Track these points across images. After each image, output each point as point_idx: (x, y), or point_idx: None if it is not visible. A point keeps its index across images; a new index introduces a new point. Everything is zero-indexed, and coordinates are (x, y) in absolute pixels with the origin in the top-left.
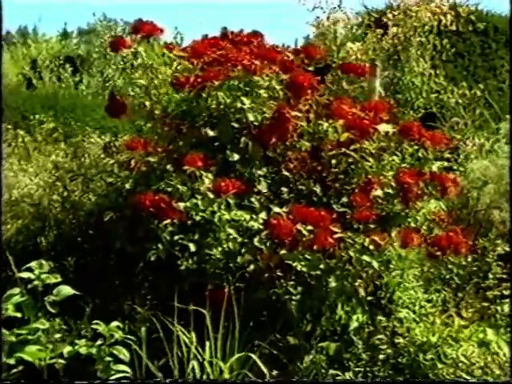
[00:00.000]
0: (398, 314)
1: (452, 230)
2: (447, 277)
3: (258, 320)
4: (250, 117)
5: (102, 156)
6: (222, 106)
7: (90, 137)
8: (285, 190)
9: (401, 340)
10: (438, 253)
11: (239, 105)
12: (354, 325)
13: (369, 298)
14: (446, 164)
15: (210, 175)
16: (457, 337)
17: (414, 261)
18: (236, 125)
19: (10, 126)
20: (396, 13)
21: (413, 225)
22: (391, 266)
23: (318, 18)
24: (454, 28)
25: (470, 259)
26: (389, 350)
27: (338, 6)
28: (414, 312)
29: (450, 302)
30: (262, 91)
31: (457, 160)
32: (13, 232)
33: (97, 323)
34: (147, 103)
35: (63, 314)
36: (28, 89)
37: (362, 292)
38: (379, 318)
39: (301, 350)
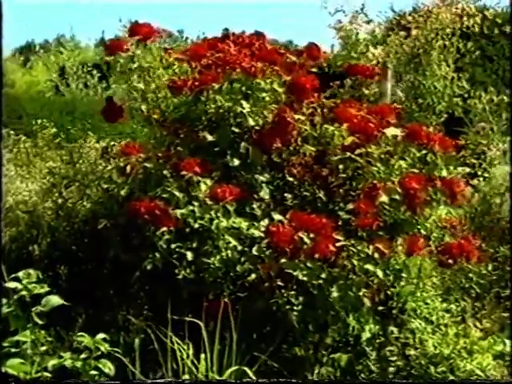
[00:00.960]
0: (410, 324)
1: (464, 237)
2: (467, 286)
3: (258, 331)
4: (250, 121)
5: (100, 161)
6: (221, 110)
7: (89, 141)
8: (289, 196)
9: (412, 352)
10: (450, 261)
11: (239, 109)
12: (366, 335)
13: (380, 308)
14: (468, 170)
15: (208, 181)
16: (471, 348)
17: (431, 269)
18: (236, 129)
19: (12, 132)
20: (416, 15)
21: (423, 232)
22: (403, 275)
23: (339, 21)
24: (476, 30)
25: (490, 268)
26: (400, 362)
27: (361, 10)
28: (432, 322)
29: (468, 312)
30: (263, 94)
31: (481, 165)
32: (6, 240)
33: (81, 335)
34: (143, 107)
35: (55, 324)
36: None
37: (367, 302)
38: (391, 328)
39: (306, 361)
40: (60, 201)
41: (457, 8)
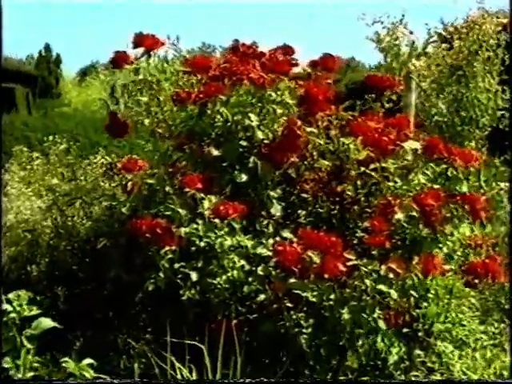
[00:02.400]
0: (437, 348)
1: (489, 256)
2: (507, 307)
3: (266, 354)
4: (259, 134)
5: (104, 178)
6: (229, 124)
7: (95, 157)
8: (302, 213)
9: (438, 377)
10: (476, 281)
11: (247, 121)
12: (393, 358)
13: (405, 330)
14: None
15: (212, 198)
16: (502, 373)
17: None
18: (244, 143)
19: (25, 149)
20: (459, 26)
21: (445, 250)
22: (429, 295)
23: (377, 32)
24: None
25: None
26: None
27: (400, 21)
28: (469, 345)
29: (504, 334)
30: (274, 106)
31: None
32: (6, 260)
33: (65, 361)
34: (146, 121)
35: (53, 348)
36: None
37: (382, 325)
38: (417, 352)
39: None
40: (59, 219)
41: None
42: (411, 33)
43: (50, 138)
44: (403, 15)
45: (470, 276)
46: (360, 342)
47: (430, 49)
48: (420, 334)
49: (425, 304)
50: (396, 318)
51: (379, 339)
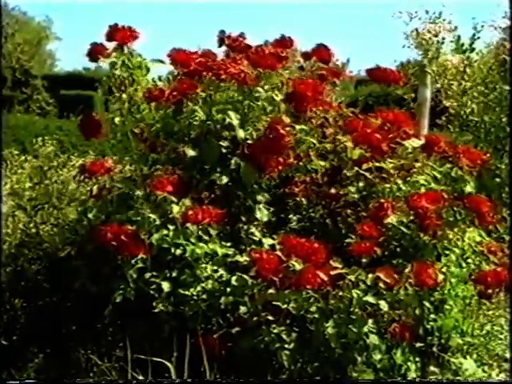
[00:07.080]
0: (454, 363)
1: (503, 264)
2: None
3: (247, 373)
4: (241, 134)
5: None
6: (208, 123)
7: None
8: (294, 218)
9: None
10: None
11: (228, 119)
12: (411, 375)
13: (418, 345)
14: None
15: (187, 202)
16: None
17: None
18: (225, 143)
19: (16, 152)
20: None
21: (453, 257)
22: (446, 307)
23: (416, 29)
24: None
25: None
26: None
27: (439, 14)
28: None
29: None
30: (259, 103)
31: None
32: None
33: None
34: (116, 120)
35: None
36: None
37: (374, 339)
38: (431, 368)
39: None
40: (21, 225)
41: None
42: (455, 28)
43: (39, 139)
44: (441, 11)
45: (480, 286)
46: (379, 356)
47: (478, 44)
48: (435, 348)
49: (433, 316)
50: (402, 332)
51: (398, 354)
